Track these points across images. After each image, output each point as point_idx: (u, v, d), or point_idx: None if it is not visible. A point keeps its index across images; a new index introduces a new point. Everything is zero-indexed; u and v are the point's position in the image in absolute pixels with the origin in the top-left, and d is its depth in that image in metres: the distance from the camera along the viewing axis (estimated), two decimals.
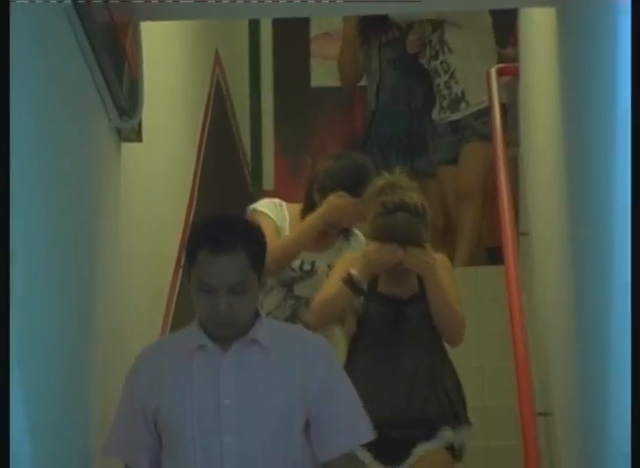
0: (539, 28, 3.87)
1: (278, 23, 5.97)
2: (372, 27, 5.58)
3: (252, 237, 2.56)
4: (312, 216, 3.63)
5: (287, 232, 3.70)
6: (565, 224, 3.14)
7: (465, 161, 5.10)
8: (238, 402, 2.49)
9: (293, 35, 6.10)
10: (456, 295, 3.41)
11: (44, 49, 2.43)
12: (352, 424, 2.57)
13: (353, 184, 3.57)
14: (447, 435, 3.26)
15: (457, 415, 3.31)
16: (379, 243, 3.33)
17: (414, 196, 3.38)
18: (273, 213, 3.73)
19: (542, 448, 3.46)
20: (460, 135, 5.09)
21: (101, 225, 3.18)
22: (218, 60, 5.61)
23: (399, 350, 3.38)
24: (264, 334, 2.53)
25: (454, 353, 3.48)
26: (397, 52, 5.46)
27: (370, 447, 3.15)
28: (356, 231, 3.70)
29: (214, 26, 5.43)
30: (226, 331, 2.50)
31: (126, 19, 3.11)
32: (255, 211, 3.76)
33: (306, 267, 3.71)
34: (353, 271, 3.31)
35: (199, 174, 5.00)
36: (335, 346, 3.40)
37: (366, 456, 3.27)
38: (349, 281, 3.31)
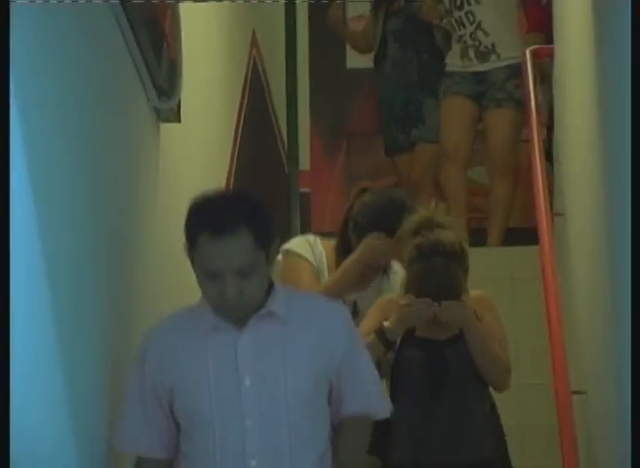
0: (573, 9, 3.87)
1: (314, 5, 6.04)
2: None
3: (255, 213, 2.36)
4: (350, 260, 3.47)
5: (324, 271, 3.56)
6: (600, 205, 3.15)
7: (496, 131, 4.97)
8: (259, 381, 2.36)
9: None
10: (500, 335, 3.29)
11: (84, 29, 2.47)
12: (370, 394, 2.50)
13: (389, 223, 3.41)
14: None
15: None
16: (413, 294, 3.20)
17: (450, 235, 3.22)
18: (308, 253, 3.59)
19: (578, 427, 3.51)
20: (485, 86, 4.97)
21: (141, 207, 3.18)
22: (255, 42, 5.65)
23: (443, 395, 3.24)
24: (281, 306, 2.39)
25: None
26: (400, 22, 5.45)
27: None
28: (395, 265, 3.58)
29: (250, 8, 5.46)
30: (238, 315, 2.35)
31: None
32: (289, 252, 3.58)
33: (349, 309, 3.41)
34: (386, 324, 3.20)
35: (236, 154, 4.98)
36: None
37: None
38: (381, 334, 3.21)
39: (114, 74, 2.82)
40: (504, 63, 4.91)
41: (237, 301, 2.28)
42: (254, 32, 5.71)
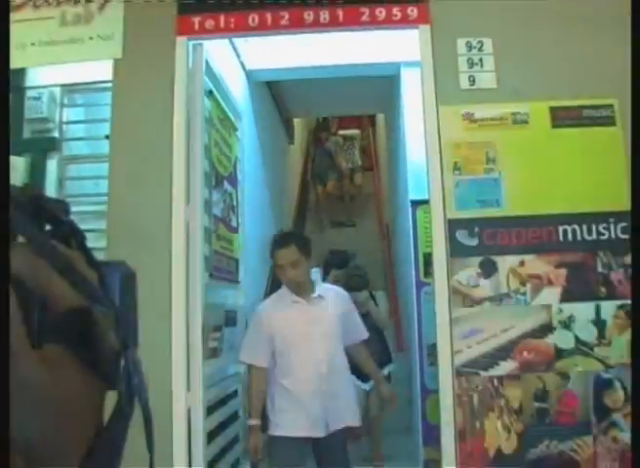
0: (381, 121, 9.67)
1: None
2: (318, 133, 10.95)
3: (301, 237, 3.66)
4: None
5: None
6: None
7: (356, 175, 10.52)
8: (318, 327, 3.57)
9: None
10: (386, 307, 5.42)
11: (272, 128, 7.18)
12: (358, 330, 3.77)
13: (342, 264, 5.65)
14: (387, 368, 5.29)
15: (390, 359, 5.36)
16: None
17: (359, 267, 5.46)
18: None
19: None
20: (352, 171, 10.48)
21: (284, 197, 7.73)
22: (311, 130, 11.61)
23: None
24: (322, 292, 3.63)
25: None
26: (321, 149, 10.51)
27: None
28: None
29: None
30: (297, 289, 3.59)
31: (289, 115, 8.70)
32: None
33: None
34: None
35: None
36: None
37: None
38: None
39: (280, 135, 8.00)
40: (358, 165, 10.69)
41: (294, 280, 3.56)
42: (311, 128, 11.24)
